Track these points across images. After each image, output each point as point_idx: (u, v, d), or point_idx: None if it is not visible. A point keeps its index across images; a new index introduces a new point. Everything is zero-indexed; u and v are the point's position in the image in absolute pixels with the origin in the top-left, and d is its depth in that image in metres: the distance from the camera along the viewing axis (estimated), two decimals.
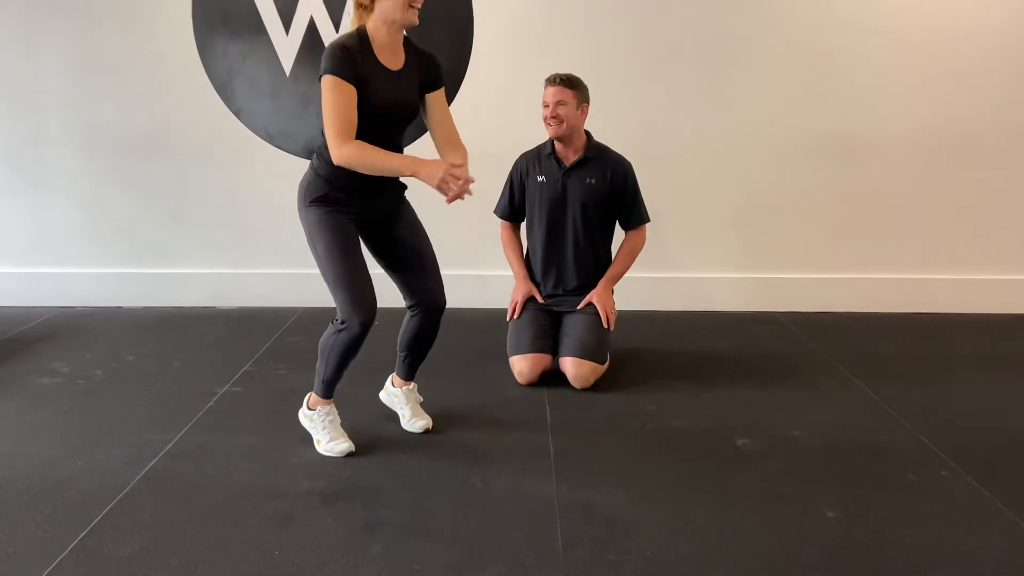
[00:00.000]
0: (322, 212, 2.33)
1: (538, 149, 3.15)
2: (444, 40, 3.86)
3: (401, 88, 2.31)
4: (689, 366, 3.27)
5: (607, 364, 3.05)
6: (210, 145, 4.02)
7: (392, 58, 2.30)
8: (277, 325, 3.84)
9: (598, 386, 2.99)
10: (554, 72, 2.99)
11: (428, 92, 2.39)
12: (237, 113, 3.98)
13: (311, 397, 2.55)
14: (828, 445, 2.54)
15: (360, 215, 2.38)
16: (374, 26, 2.27)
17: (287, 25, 3.89)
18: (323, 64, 2.22)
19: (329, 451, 2.48)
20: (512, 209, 3.19)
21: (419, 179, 2.19)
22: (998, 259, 4.08)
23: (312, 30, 3.89)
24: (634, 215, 3.12)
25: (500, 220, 3.24)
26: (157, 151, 4.03)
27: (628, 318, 3.52)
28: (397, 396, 2.71)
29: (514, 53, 3.88)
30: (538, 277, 3.18)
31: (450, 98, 3.89)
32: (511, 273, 3.26)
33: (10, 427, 2.67)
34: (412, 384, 2.71)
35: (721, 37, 3.86)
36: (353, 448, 2.47)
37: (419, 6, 2.26)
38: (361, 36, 2.26)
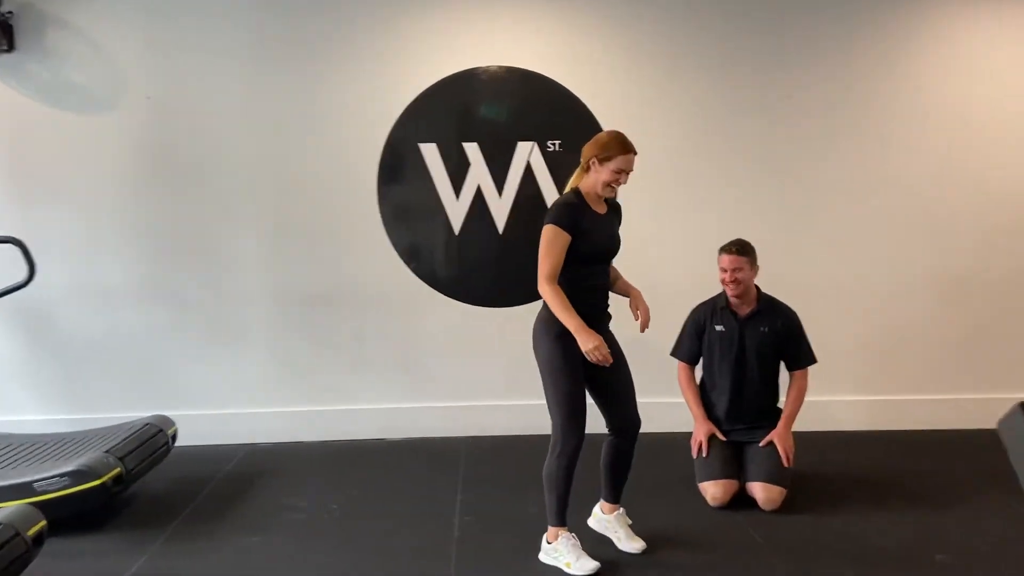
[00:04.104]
0: (565, 344, 2.83)
1: (712, 301, 3.68)
2: None
3: (609, 228, 2.98)
4: (852, 486, 3.72)
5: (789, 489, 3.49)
6: (385, 297, 4.55)
7: (599, 207, 2.96)
8: (453, 455, 4.26)
9: (784, 508, 3.42)
10: (728, 241, 3.58)
11: None
12: (413, 269, 4.54)
13: (549, 532, 2.97)
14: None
15: None
16: (586, 187, 2.93)
17: (457, 191, 4.50)
18: (549, 215, 2.88)
19: (581, 570, 2.88)
20: (690, 353, 3.70)
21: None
22: None
23: (479, 196, 4.50)
24: (801, 358, 3.63)
25: (678, 362, 3.73)
26: (339, 305, 4.56)
27: None
28: (609, 522, 3.13)
29: (661, 211, 4.49)
30: (720, 413, 3.64)
31: None
32: (682, 401, 3.72)
33: (287, 560, 3.08)
34: (620, 508, 3.14)
35: (843, 195, 4.51)
36: (599, 566, 2.87)
37: (616, 187, 2.93)
38: (577, 194, 2.94)
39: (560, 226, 2.84)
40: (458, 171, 4.50)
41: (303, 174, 4.50)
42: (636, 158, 2.90)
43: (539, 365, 2.94)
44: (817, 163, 4.51)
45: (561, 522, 2.96)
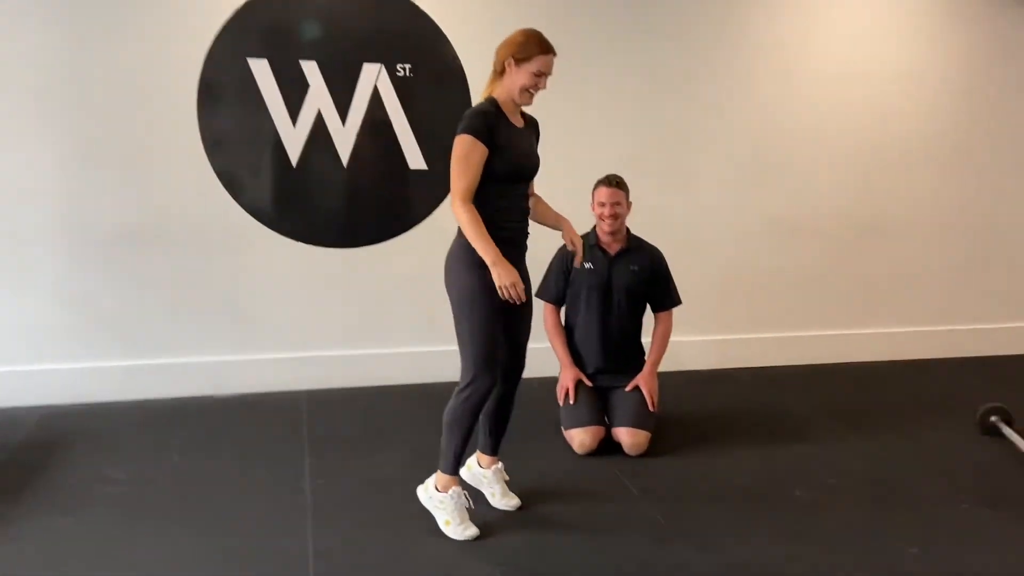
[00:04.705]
0: (485, 274, 2.51)
1: (581, 239, 3.50)
2: None
3: (527, 141, 2.69)
4: (707, 425, 3.76)
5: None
6: (209, 234, 4.01)
7: (516, 119, 2.66)
8: (294, 411, 3.87)
9: (649, 452, 3.38)
10: (604, 175, 3.43)
11: None
12: (242, 203, 4.01)
13: (439, 478, 2.71)
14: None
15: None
16: (501, 95, 2.61)
17: (294, 117, 4.00)
18: (461, 125, 2.52)
19: (458, 535, 2.65)
20: (559, 295, 3.53)
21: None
22: (913, 313, 4.99)
23: (320, 123, 4.03)
24: (668, 299, 3.57)
25: (544, 303, 3.55)
26: (151, 242, 3.95)
27: None
28: (486, 476, 2.92)
29: None
30: (586, 354, 3.52)
31: None
32: (545, 346, 3.53)
33: (109, 543, 2.60)
34: (499, 463, 2.94)
35: (687, 140, 4.50)
36: (478, 534, 2.67)
37: (534, 93, 2.60)
38: (492, 102, 2.61)
39: (476, 135, 2.50)
40: (295, 93, 3.99)
41: (106, 89, 3.81)
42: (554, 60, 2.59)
43: (452, 297, 2.62)
44: (665, 105, 4.47)
45: (455, 471, 2.71)
